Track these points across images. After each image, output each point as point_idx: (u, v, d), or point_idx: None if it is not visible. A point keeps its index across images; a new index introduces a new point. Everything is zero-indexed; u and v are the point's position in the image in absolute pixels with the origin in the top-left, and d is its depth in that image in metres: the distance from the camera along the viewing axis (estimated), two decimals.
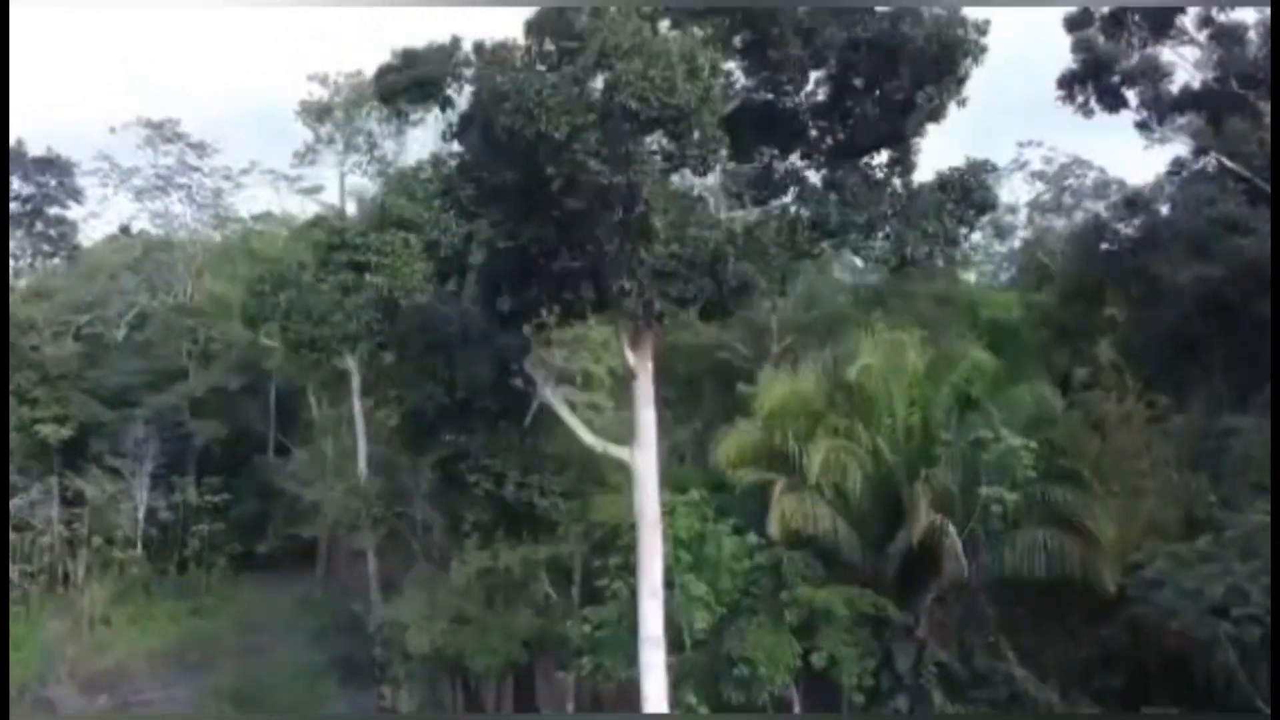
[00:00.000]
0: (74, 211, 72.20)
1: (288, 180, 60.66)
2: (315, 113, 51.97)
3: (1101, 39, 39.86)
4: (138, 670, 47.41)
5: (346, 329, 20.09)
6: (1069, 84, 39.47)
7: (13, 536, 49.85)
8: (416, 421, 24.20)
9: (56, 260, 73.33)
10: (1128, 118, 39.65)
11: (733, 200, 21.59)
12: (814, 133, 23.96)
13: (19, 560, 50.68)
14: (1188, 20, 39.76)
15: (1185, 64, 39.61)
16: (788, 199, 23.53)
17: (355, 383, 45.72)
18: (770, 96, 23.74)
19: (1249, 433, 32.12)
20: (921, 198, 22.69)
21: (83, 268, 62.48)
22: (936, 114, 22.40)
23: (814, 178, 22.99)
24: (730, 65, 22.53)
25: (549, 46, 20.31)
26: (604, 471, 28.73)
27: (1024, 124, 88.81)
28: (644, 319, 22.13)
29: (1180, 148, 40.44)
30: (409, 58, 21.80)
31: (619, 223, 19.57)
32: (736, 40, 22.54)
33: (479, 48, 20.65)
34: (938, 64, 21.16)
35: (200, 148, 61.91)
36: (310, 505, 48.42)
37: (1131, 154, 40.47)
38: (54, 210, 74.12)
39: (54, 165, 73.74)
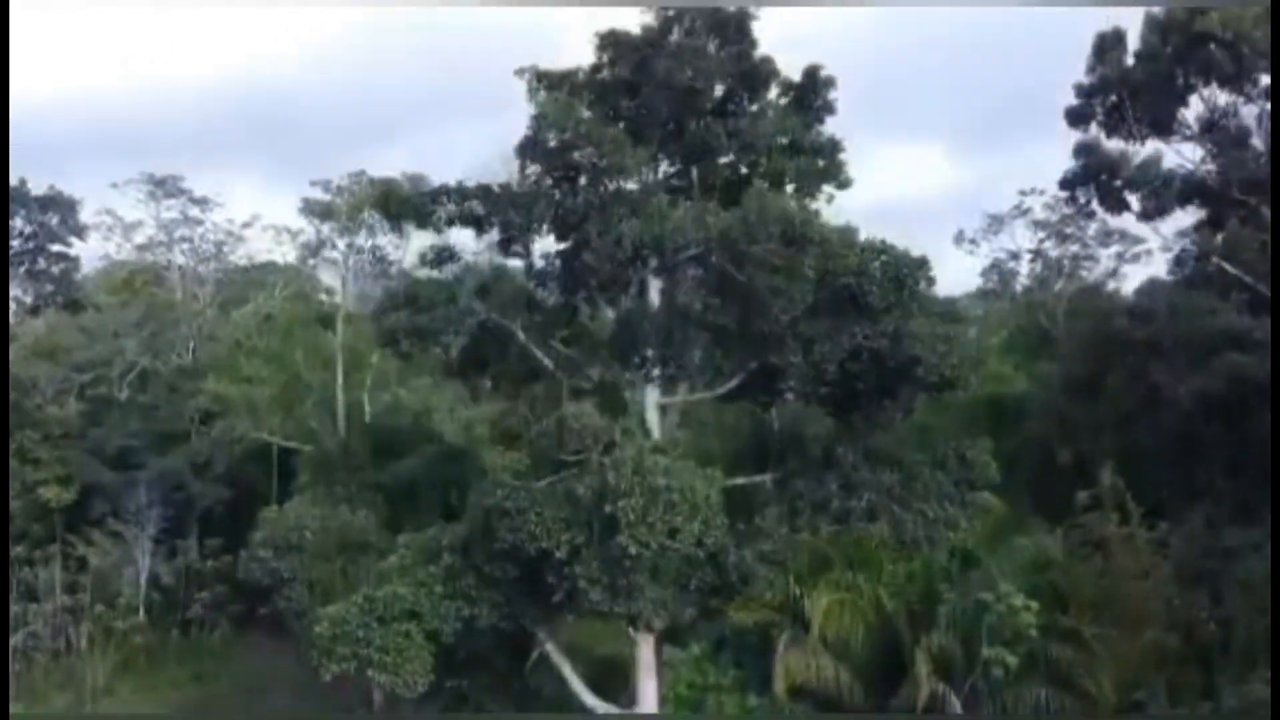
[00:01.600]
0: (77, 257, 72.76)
1: (290, 233, 60.44)
2: (319, 213, 51.86)
3: (1103, 135, 39.94)
4: None
5: None
6: (1071, 185, 39.65)
7: (13, 608, 49.96)
8: None
9: (59, 299, 73.52)
10: None
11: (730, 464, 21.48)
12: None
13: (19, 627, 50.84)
14: (1190, 115, 39.86)
15: (1185, 158, 39.73)
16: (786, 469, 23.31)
17: None
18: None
19: (1248, 553, 32.31)
20: (921, 481, 22.67)
21: (85, 321, 62.23)
22: None
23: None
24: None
25: None
26: None
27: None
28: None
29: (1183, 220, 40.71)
30: (410, 297, 21.74)
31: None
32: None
33: (483, 290, 20.64)
34: (938, 386, 21.13)
35: (203, 203, 61.88)
36: None
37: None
38: (56, 247, 74.75)
39: (56, 203, 74.00)
